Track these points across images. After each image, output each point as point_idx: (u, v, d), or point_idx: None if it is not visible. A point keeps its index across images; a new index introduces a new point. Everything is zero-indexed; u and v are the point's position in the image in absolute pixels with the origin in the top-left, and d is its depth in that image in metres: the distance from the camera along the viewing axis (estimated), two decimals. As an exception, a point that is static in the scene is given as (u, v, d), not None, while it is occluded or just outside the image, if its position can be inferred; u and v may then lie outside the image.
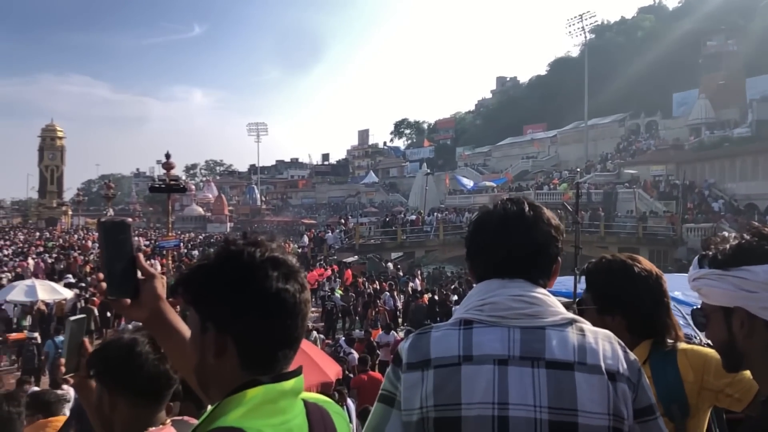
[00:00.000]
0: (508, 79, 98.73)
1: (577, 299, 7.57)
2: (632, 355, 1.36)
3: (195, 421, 1.52)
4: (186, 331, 1.31)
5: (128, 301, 1.26)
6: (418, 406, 1.30)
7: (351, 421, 7.19)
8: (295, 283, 1.06)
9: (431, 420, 1.28)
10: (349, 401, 7.70)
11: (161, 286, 1.32)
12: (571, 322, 1.36)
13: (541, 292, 1.39)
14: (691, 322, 1.93)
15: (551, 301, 1.39)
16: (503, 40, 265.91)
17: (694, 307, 1.44)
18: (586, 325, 1.37)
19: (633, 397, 1.29)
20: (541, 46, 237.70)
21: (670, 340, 1.97)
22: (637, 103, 56.99)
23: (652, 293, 1.99)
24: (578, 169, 47.29)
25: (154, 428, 1.61)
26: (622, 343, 1.37)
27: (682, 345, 1.97)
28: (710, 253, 1.31)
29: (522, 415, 1.25)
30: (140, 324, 1.43)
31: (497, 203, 1.52)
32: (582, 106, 55.69)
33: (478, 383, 1.28)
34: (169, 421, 1.67)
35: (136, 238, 43.80)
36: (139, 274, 1.29)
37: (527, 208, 1.48)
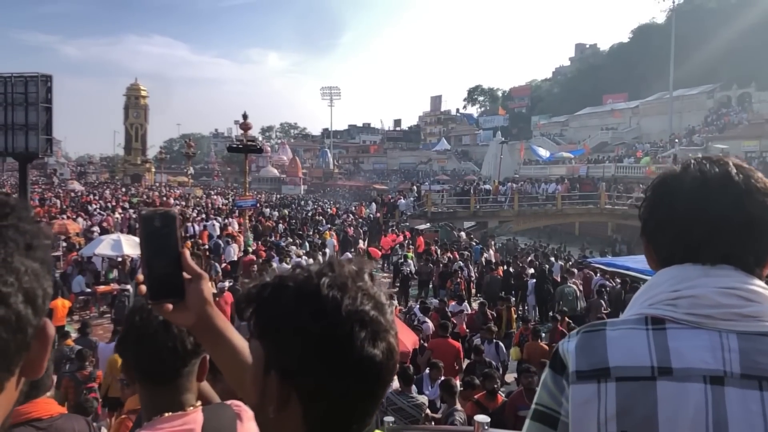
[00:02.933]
0: (587, 46, 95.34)
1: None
2: None
3: (240, 406, 1.48)
4: (238, 339, 1.23)
5: (170, 306, 1.11)
6: None
7: (427, 389, 7.27)
8: (385, 347, 0.89)
9: None
10: (425, 375, 7.76)
11: (209, 288, 1.17)
12: None
13: (759, 285, 1.07)
14: None
15: None
16: (583, 5, 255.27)
17: None
18: None
19: None
20: (623, 12, 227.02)
21: None
22: (729, 73, 53.72)
23: None
24: (663, 141, 45.30)
25: (171, 413, 1.45)
26: None
27: None
28: None
29: None
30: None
31: (689, 163, 1.18)
32: (666, 75, 52.87)
33: (684, 409, 0.98)
34: (199, 403, 1.53)
35: (215, 197, 45.28)
36: (184, 274, 1.13)
37: (734, 170, 1.13)
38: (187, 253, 1.15)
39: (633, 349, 1.04)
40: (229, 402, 1.54)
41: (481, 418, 3.33)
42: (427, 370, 7.85)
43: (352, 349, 0.85)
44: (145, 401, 1.54)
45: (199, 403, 1.53)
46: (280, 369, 0.88)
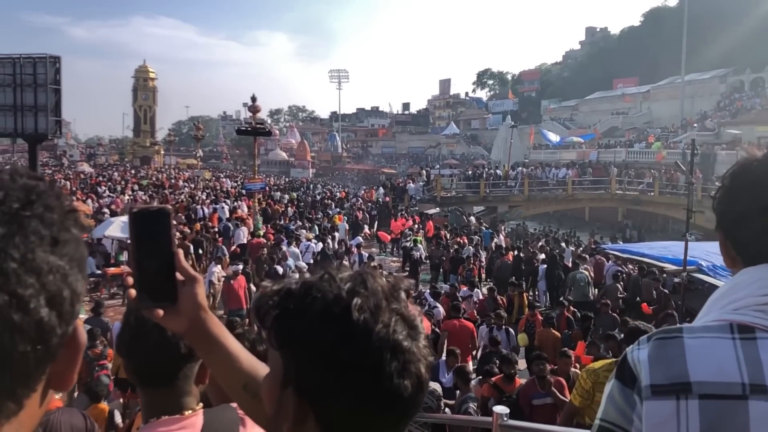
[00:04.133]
0: (598, 29, 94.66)
1: (687, 267, 7.23)
2: None
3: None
4: (234, 346, 1.15)
5: (161, 311, 1.02)
6: None
7: (444, 377, 7.23)
8: (415, 379, 0.81)
9: None
10: (441, 361, 7.70)
11: (203, 291, 1.09)
12: None
13: None
14: None
15: None
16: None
17: None
18: None
19: None
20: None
21: None
22: (741, 57, 53.12)
23: None
24: (674, 126, 44.87)
25: (168, 417, 1.41)
26: None
27: None
28: None
29: None
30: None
31: None
32: (678, 60, 52.28)
33: None
34: (200, 406, 1.48)
35: (224, 179, 45.24)
36: (177, 275, 1.04)
37: None
38: (181, 253, 1.05)
39: (719, 361, 0.91)
40: (234, 404, 1.46)
41: (500, 409, 3.26)
42: (444, 357, 7.79)
43: (380, 380, 0.79)
44: (142, 403, 1.50)
45: (200, 406, 1.48)
46: (298, 387, 0.81)
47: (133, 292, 1.01)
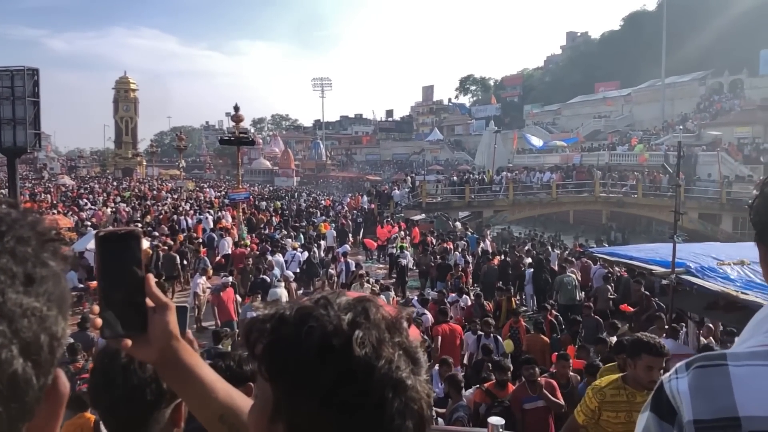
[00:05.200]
0: (579, 34, 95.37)
1: (675, 269, 7.23)
2: None
3: None
4: (209, 376, 1.06)
5: (129, 341, 0.93)
6: None
7: (437, 387, 7.12)
8: (417, 419, 0.75)
9: None
10: (434, 372, 7.59)
11: (174, 319, 1.00)
12: None
13: None
14: None
15: None
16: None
17: None
18: None
19: None
20: (614, 0, 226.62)
21: None
22: (720, 60, 53.86)
23: None
24: (656, 129, 45.34)
25: None
26: None
27: None
28: None
29: None
30: None
31: None
32: (658, 63, 53.03)
33: None
34: None
35: (208, 190, 44.91)
36: (147, 301, 0.96)
37: None
38: (152, 279, 0.97)
39: None
40: None
41: (496, 420, 3.19)
42: (437, 367, 7.69)
43: (380, 422, 0.72)
44: None
45: None
46: (290, 423, 0.74)
47: (99, 321, 0.92)
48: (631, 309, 11.90)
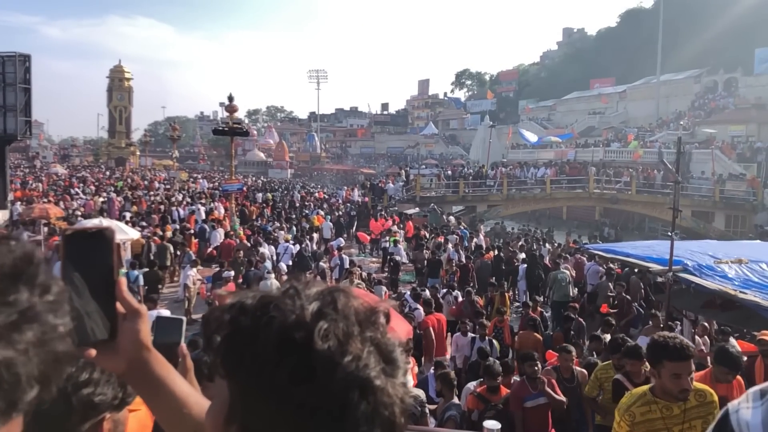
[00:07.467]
0: (575, 30, 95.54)
1: (673, 266, 7.15)
2: None
3: None
4: (182, 388, 0.98)
5: (93, 351, 0.83)
6: None
7: (433, 392, 6.97)
8: (388, 426, 0.66)
9: None
10: (430, 374, 7.47)
11: (146, 328, 0.91)
12: None
13: None
14: None
15: None
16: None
17: None
18: None
19: None
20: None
21: None
22: (715, 58, 54.04)
23: None
24: (650, 126, 45.38)
25: None
26: None
27: None
28: None
29: None
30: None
31: None
32: (654, 60, 53.09)
33: None
34: None
35: (200, 180, 44.53)
36: (118, 306, 0.87)
37: None
38: (124, 283, 0.88)
39: None
40: None
41: (491, 424, 3.09)
42: (432, 370, 7.56)
43: (342, 426, 0.64)
44: None
45: None
46: (243, 426, 0.68)
47: (61, 329, 0.79)
48: (612, 310, 11.72)
